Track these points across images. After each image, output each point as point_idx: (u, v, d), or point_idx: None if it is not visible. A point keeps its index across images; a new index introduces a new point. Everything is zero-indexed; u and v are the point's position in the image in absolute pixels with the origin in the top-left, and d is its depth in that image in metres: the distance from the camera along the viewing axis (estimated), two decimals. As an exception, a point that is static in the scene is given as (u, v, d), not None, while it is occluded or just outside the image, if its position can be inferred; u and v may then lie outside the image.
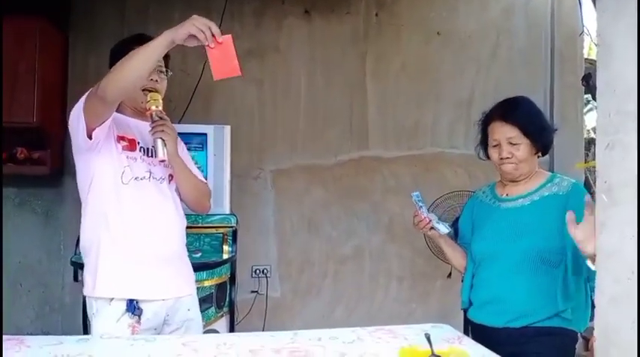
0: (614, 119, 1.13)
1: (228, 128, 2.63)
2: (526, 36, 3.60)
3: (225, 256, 2.39)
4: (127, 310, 1.66)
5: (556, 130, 1.79)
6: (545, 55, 3.63)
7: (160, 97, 1.77)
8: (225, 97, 3.29)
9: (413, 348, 1.41)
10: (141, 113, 1.80)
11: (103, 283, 1.68)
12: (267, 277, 3.31)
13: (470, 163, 3.43)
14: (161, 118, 1.75)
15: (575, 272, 1.63)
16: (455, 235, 1.95)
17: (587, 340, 2.60)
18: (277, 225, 3.38)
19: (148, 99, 1.74)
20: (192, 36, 1.47)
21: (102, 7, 3.22)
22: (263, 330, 3.09)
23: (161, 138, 1.72)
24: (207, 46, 1.48)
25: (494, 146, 1.73)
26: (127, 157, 1.72)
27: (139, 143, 1.77)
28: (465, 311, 1.86)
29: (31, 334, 2.60)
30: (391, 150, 3.49)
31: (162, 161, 1.74)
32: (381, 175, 3.47)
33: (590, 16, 3.37)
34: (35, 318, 3.14)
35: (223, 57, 1.51)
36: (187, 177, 1.83)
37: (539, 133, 1.70)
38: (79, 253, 2.42)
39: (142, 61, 1.52)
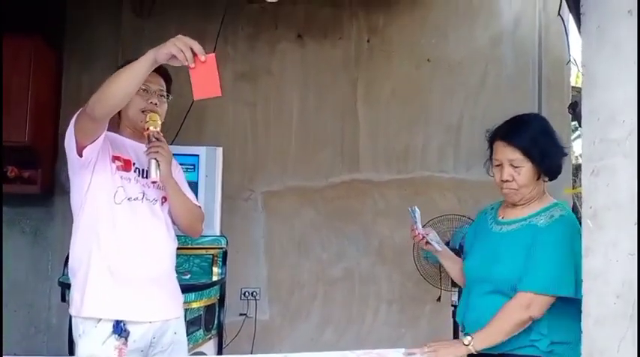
0: (598, 147, 1.17)
1: (220, 150, 2.64)
2: (514, 64, 3.68)
3: (215, 278, 2.38)
4: (114, 331, 1.64)
5: (566, 154, 1.69)
6: (533, 82, 3.70)
7: (158, 119, 1.79)
8: (218, 118, 3.32)
9: (402, 370, 1.41)
10: (139, 134, 1.82)
11: (91, 302, 1.67)
12: (256, 299, 3.29)
13: (459, 187, 3.48)
14: (158, 139, 1.77)
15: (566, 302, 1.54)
16: (461, 250, 1.94)
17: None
18: (267, 247, 3.37)
19: (147, 119, 1.77)
20: (175, 56, 1.49)
21: (96, 27, 3.26)
22: (251, 353, 3.06)
23: (155, 159, 1.73)
24: (189, 65, 1.50)
25: (497, 166, 1.65)
26: (121, 178, 1.73)
27: (134, 164, 1.79)
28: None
29: (16, 356, 2.55)
30: (382, 173, 3.52)
31: (154, 182, 1.74)
32: (372, 198, 3.49)
33: (576, 45, 3.45)
34: (21, 339, 3.09)
35: (205, 76, 1.51)
36: (180, 199, 1.83)
37: (543, 157, 1.59)
38: (67, 273, 2.41)
39: (128, 80, 1.54)
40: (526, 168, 1.60)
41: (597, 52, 1.22)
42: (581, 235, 1.29)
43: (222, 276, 2.41)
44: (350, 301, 3.46)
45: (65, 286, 2.37)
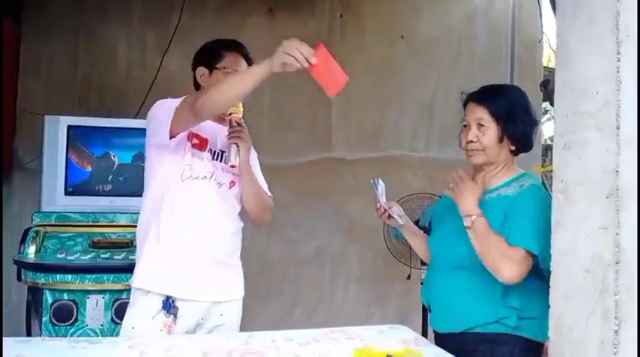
0: (571, 119, 1.15)
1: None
2: (487, 42, 3.66)
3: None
4: (163, 307, 1.64)
5: (537, 124, 1.66)
6: (505, 61, 3.69)
7: (241, 105, 1.78)
8: (186, 94, 3.20)
9: (368, 348, 1.38)
10: (220, 118, 1.80)
11: (142, 274, 1.69)
12: (225, 278, 3.24)
13: (430, 166, 3.46)
14: (239, 124, 1.77)
15: (538, 278, 1.49)
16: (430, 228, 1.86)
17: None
18: (237, 225, 3.31)
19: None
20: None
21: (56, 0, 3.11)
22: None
23: (236, 144, 1.73)
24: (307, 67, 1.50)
25: (464, 128, 1.65)
26: (192, 155, 1.72)
27: (209, 144, 1.77)
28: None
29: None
30: (353, 151, 3.48)
31: (233, 167, 1.74)
32: (343, 177, 3.46)
33: (549, 23, 3.45)
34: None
35: (327, 70, 1.52)
36: (254, 187, 1.84)
37: (508, 121, 1.58)
38: (23, 251, 2.33)
39: (242, 88, 1.60)
40: (491, 129, 1.60)
41: (572, 23, 1.19)
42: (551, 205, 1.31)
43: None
44: (320, 280, 3.44)
45: (21, 265, 2.29)
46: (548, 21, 3.42)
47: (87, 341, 1.48)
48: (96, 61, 3.14)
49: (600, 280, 1.04)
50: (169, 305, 1.64)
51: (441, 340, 1.61)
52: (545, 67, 3.87)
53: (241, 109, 1.78)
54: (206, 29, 3.21)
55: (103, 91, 3.11)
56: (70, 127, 2.49)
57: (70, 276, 2.22)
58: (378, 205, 1.78)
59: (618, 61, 1.02)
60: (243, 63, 1.84)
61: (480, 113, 1.61)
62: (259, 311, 3.35)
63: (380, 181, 1.79)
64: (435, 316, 1.69)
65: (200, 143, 1.75)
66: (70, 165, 2.49)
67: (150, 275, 1.69)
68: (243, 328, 3.13)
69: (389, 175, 3.56)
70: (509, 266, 1.47)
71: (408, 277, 3.27)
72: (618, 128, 1.02)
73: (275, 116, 3.35)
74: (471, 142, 1.61)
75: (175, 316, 1.65)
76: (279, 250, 3.39)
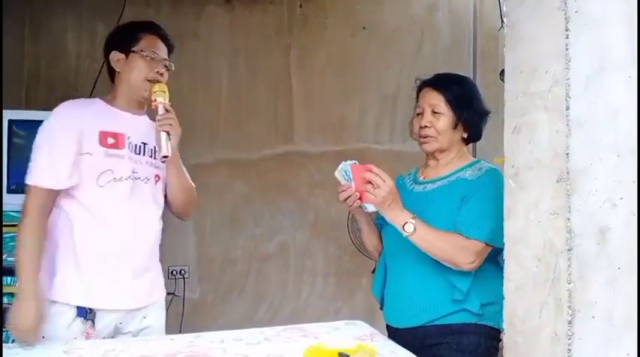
0: (520, 101, 1.10)
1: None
2: (449, 33, 3.63)
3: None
4: (78, 314, 1.54)
5: (489, 113, 1.65)
6: (468, 52, 3.67)
7: (167, 90, 1.66)
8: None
9: (319, 346, 1.32)
10: (137, 105, 1.68)
11: (53, 286, 1.57)
12: (184, 277, 3.14)
13: (395, 158, 3.41)
14: (168, 111, 1.63)
15: (493, 264, 1.51)
16: None
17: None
18: (196, 223, 3.21)
19: (155, 89, 1.62)
20: None
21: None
22: (180, 333, 2.92)
23: (167, 132, 1.60)
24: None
25: (418, 115, 1.63)
26: (110, 157, 1.59)
27: (128, 138, 1.63)
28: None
29: None
30: (317, 145, 3.41)
31: (166, 157, 1.61)
32: (307, 171, 3.39)
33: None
34: None
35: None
36: (182, 178, 1.74)
37: (463, 108, 1.58)
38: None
39: None
40: (445, 115, 1.58)
41: (521, 2, 1.14)
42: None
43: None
44: (285, 277, 3.37)
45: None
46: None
47: (19, 346, 1.39)
48: (43, 53, 2.99)
49: (552, 268, 1.00)
50: (85, 312, 1.54)
51: (399, 336, 1.56)
52: (507, 58, 3.87)
53: (167, 94, 1.66)
54: (160, 20, 3.09)
55: (51, 85, 2.97)
56: (11, 122, 2.35)
57: (10, 278, 2.10)
58: (353, 188, 1.52)
59: (567, 37, 0.97)
60: (162, 45, 1.72)
61: (435, 99, 1.59)
62: (222, 311, 3.27)
63: (348, 161, 1.57)
64: (392, 311, 1.63)
65: (116, 141, 1.61)
66: (13, 162, 2.35)
67: (64, 287, 1.56)
68: (206, 328, 3.06)
69: (353, 168, 3.53)
70: (466, 256, 1.46)
71: (373, 271, 3.22)
72: (568, 108, 0.97)
73: (232, 108, 3.26)
74: (425, 127, 1.59)
75: (93, 321, 1.55)
76: (241, 247, 3.30)
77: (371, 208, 1.57)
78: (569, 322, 0.99)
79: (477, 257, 1.46)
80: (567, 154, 0.97)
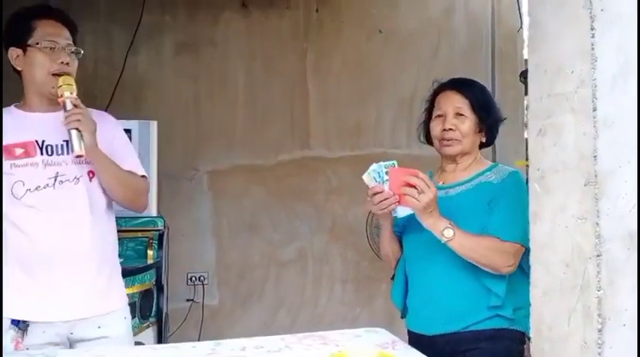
0: (545, 102, 1.07)
1: (154, 124, 2.46)
2: (466, 36, 3.60)
3: (150, 262, 2.21)
4: (12, 323, 1.48)
5: (504, 119, 1.66)
6: (486, 54, 3.63)
7: (73, 82, 1.52)
8: (157, 92, 3.12)
9: (341, 354, 1.30)
10: (48, 102, 1.56)
11: None
12: (203, 284, 3.14)
13: (413, 163, 3.36)
14: (76, 106, 1.50)
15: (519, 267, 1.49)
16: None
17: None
18: (215, 229, 3.22)
19: (60, 84, 1.49)
20: None
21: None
22: (199, 340, 2.92)
23: (77, 129, 1.48)
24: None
25: (438, 117, 1.58)
26: (20, 167, 1.50)
27: (41, 143, 1.54)
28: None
29: None
30: (334, 150, 3.40)
31: (79, 157, 1.50)
32: (324, 176, 3.38)
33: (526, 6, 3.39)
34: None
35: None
36: (110, 172, 1.57)
37: (487, 112, 1.58)
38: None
39: None
40: (469, 119, 1.56)
41: (543, 1, 1.11)
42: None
43: (158, 259, 2.25)
44: (303, 282, 3.36)
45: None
46: (527, 9, 3.36)
47: (43, 354, 1.39)
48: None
49: (581, 274, 0.97)
50: (17, 321, 1.48)
51: (427, 343, 1.52)
52: (526, 59, 3.81)
53: (74, 86, 1.50)
54: (177, 27, 3.13)
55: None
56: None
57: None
58: (387, 192, 1.46)
59: (592, 37, 0.94)
60: (62, 30, 1.54)
61: (459, 102, 1.56)
62: (241, 316, 3.27)
63: (382, 162, 1.48)
64: (420, 318, 1.59)
65: (26, 150, 1.50)
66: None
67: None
68: (224, 334, 3.06)
69: (371, 173, 3.51)
70: (505, 259, 1.45)
71: (393, 277, 3.19)
72: (595, 110, 0.94)
73: (249, 113, 3.27)
74: (450, 130, 1.55)
75: (25, 331, 1.48)
76: (259, 253, 3.30)
77: (402, 212, 1.50)
78: (599, 331, 0.96)
79: (514, 260, 1.46)
80: (595, 156, 0.94)
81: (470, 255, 1.46)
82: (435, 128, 1.60)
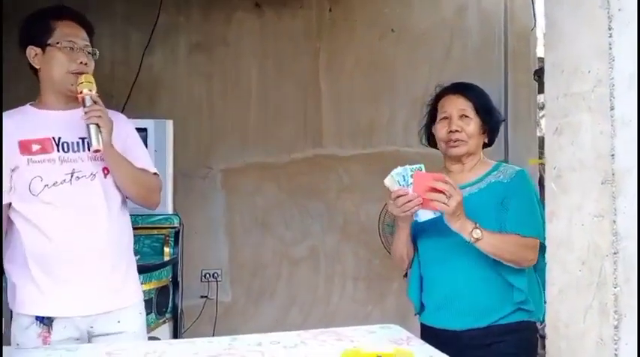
0: (562, 102, 1.07)
1: (170, 123, 2.49)
2: (479, 34, 3.60)
3: (166, 259, 2.24)
4: (36, 319, 1.52)
5: (504, 120, 1.74)
6: (499, 53, 3.63)
7: (93, 80, 1.55)
8: (171, 91, 3.15)
9: (356, 350, 1.32)
10: (65, 100, 1.59)
11: (15, 299, 1.55)
12: (217, 281, 3.18)
13: (425, 162, 3.37)
14: (96, 102, 1.53)
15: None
16: None
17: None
18: (228, 226, 3.25)
19: (81, 81, 1.53)
20: None
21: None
22: (213, 336, 2.95)
23: (96, 124, 1.51)
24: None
25: (443, 119, 1.63)
26: (37, 163, 1.53)
27: (58, 140, 1.56)
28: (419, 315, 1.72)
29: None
30: (346, 148, 3.42)
31: (97, 151, 1.53)
32: (336, 174, 3.39)
33: (542, 11, 3.38)
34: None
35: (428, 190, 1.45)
36: (123, 169, 1.60)
37: (490, 114, 1.64)
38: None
39: None
40: (474, 120, 1.62)
41: (560, 0, 1.12)
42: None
43: (174, 256, 2.28)
44: (315, 280, 3.38)
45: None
46: (541, 8, 3.35)
47: (65, 348, 1.42)
48: (78, 60, 3.07)
49: (597, 272, 0.98)
50: (41, 318, 1.51)
51: (450, 339, 1.55)
52: (539, 57, 3.80)
53: (94, 85, 1.54)
54: (191, 26, 3.16)
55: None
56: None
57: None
58: (411, 194, 1.48)
59: (610, 36, 0.95)
60: (80, 31, 1.58)
61: (463, 104, 1.62)
62: (254, 313, 3.29)
63: (408, 166, 1.49)
64: (444, 314, 1.62)
65: (42, 146, 1.53)
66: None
67: (21, 300, 1.55)
68: (238, 330, 3.09)
69: (385, 171, 3.51)
70: (528, 253, 1.53)
71: (405, 275, 3.20)
72: (612, 109, 0.95)
73: (262, 112, 3.29)
74: (456, 131, 1.60)
75: (50, 326, 1.52)
76: (271, 251, 3.32)
77: (424, 216, 1.52)
78: (616, 327, 0.97)
79: (535, 254, 1.53)
80: (612, 155, 0.95)
81: (497, 253, 1.51)
82: (441, 130, 1.64)
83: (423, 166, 1.49)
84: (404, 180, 1.48)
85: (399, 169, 1.49)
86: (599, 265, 0.98)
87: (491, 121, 1.65)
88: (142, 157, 1.69)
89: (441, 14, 3.54)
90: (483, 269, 1.55)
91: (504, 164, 1.68)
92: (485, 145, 1.69)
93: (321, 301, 3.38)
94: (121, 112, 2.71)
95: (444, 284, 1.63)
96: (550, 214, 1.09)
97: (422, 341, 1.51)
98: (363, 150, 3.43)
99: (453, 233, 1.52)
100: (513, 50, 3.60)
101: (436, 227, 1.58)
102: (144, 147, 1.76)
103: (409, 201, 1.47)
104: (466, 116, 1.61)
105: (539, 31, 3.57)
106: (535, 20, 3.51)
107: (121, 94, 2.86)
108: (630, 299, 0.95)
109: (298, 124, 3.34)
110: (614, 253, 0.96)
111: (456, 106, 1.61)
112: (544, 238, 1.36)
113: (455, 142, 1.61)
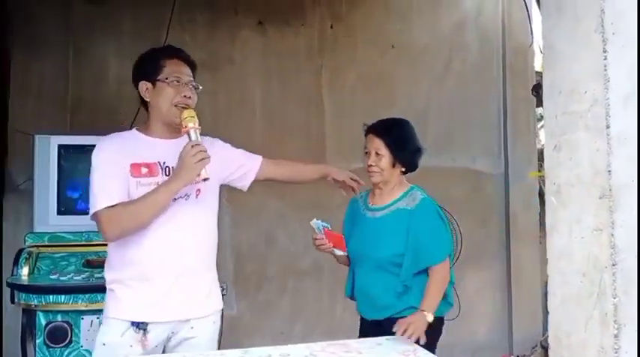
0: (560, 120, 1.13)
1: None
2: (478, 50, 3.66)
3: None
4: (132, 324, 1.63)
5: (422, 152, 2.03)
6: (497, 68, 3.69)
7: (195, 114, 1.68)
8: (178, 109, 3.19)
9: (366, 361, 1.35)
10: (171, 130, 1.72)
11: (109, 303, 1.68)
12: (222, 294, 3.19)
13: (428, 175, 3.38)
14: (197, 142, 1.65)
15: (412, 270, 1.91)
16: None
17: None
18: (233, 240, 3.28)
19: (185, 116, 1.66)
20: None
21: (45, 15, 3.09)
22: (219, 349, 2.97)
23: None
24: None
25: (366, 154, 2.02)
26: (144, 186, 1.65)
27: (163, 164, 1.70)
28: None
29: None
30: (349, 162, 3.45)
31: (206, 180, 1.65)
32: (340, 188, 3.43)
33: (540, 29, 3.46)
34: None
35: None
36: (289, 168, 2.23)
37: (399, 150, 1.97)
38: (16, 273, 2.30)
39: (156, 210, 1.62)
40: (386, 156, 1.97)
41: (557, 24, 1.18)
42: (439, 211, 1.95)
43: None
44: (320, 294, 3.40)
45: (15, 287, 2.25)
46: (538, 25, 3.42)
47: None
48: (86, 78, 3.13)
49: (597, 283, 1.02)
50: (137, 323, 1.63)
51: (366, 325, 2.03)
52: (537, 72, 3.87)
53: (196, 119, 1.67)
54: (196, 45, 3.21)
55: (94, 109, 3.09)
56: (60, 147, 2.47)
57: (63, 297, 2.19)
58: (322, 240, 2.02)
59: (605, 59, 1.01)
60: (186, 69, 1.74)
61: (377, 144, 1.98)
62: (259, 327, 3.31)
63: (319, 222, 2.04)
64: (362, 307, 2.05)
65: (150, 170, 1.68)
66: (62, 184, 2.46)
67: (116, 304, 1.66)
68: (243, 344, 3.11)
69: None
70: (446, 275, 1.94)
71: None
72: (608, 127, 1.00)
73: (267, 128, 3.34)
74: (371, 165, 1.98)
75: (145, 330, 1.63)
76: (276, 264, 3.35)
77: (339, 252, 2.05)
78: (616, 336, 1.01)
79: (448, 269, 1.95)
80: (609, 171, 1.00)
81: (439, 298, 1.90)
82: (365, 162, 2.03)
83: (329, 225, 2.03)
84: (319, 229, 2.01)
85: (315, 222, 2.03)
86: (598, 277, 1.03)
87: (400, 156, 1.98)
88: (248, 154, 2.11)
89: (440, 30, 3.61)
90: (384, 275, 1.93)
91: (415, 190, 2.02)
92: (405, 172, 2.02)
93: (325, 314, 3.40)
94: (129, 128, 2.81)
95: (360, 281, 2.03)
96: (550, 227, 1.14)
97: (428, 352, 1.55)
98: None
99: (366, 243, 1.99)
100: (511, 65, 3.67)
101: (357, 235, 2.06)
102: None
103: (322, 245, 2.03)
104: (378, 154, 1.96)
105: (537, 47, 3.63)
106: (532, 36, 3.58)
107: (129, 111, 2.90)
108: (629, 309, 0.99)
109: (302, 139, 3.39)
110: (613, 265, 1.01)
111: (372, 145, 1.98)
112: (451, 250, 2.01)
113: (371, 173, 2.00)
